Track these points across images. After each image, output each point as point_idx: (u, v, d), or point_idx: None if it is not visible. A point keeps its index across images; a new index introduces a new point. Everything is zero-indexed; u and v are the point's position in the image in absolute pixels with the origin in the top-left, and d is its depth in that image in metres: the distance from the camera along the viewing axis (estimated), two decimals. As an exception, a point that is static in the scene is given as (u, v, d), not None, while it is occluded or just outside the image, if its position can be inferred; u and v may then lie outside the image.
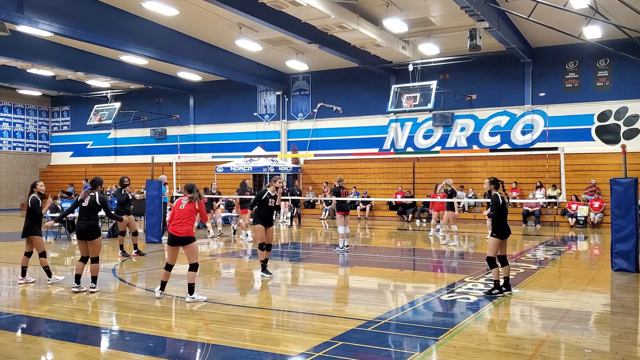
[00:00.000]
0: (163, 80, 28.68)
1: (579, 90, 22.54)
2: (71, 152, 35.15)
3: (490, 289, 8.63)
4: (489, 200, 8.84)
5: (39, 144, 35.52)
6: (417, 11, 18.59)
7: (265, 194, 10.17)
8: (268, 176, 26.66)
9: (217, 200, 18.11)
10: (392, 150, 25.70)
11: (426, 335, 6.40)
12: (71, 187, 29.54)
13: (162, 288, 8.33)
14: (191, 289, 8.06)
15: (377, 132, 26.22)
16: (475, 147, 24.03)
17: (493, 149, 23.37)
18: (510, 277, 10.00)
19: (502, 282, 8.57)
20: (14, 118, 34.02)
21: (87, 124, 29.02)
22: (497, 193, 8.58)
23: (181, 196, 8.47)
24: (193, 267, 8.06)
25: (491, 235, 8.65)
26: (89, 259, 8.66)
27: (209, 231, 17.44)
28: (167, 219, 10.25)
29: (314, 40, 19.74)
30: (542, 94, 23.06)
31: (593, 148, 22.12)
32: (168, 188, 16.73)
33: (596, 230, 19.75)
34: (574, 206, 20.87)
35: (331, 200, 14.18)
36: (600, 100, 22.14)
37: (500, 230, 8.51)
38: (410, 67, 22.12)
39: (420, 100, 20.76)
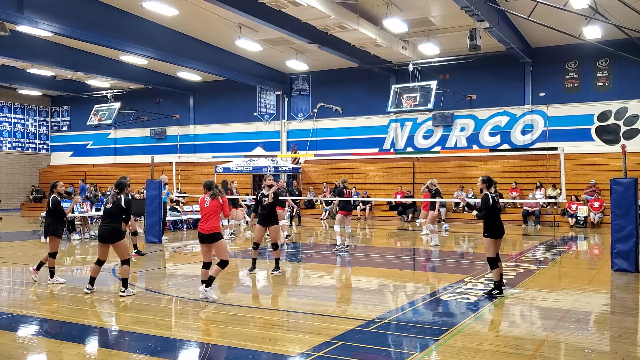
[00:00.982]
0: (163, 80, 28.68)
1: (579, 90, 22.54)
2: (71, 152, 35.15)
3: (490, 289, 8.63)
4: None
5: (39, 144, 35.52)
6: (417, 11, 18.59)
7: (260, 194, 10.34)
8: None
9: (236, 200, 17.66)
10: (392, 150, 25.70)
11: (426, 335, 6.40)
12: (71, 187, 29.51)
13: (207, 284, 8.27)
14: (210, 281, 8.08)
15: (377, 132, 26.22)
16: (475, 147, 24.03)
17: (493, 149, 23.37)
18: (510, 277, 10.05)
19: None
20: (14, 118, 34.02)
21: (87, 124, 29.02)
22: (488, 193, 8.57)
23: (202, 195, 8.50)
24: (222, 264, 8.10)
25: (483, 235, 8.62)
26: (120, 262, 8.59)
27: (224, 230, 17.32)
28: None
29: (314, 40, 19.74)
30: (542, 94, 23.06)
31: (593, 148, 22.11)
32: (167, 188, 16.72)
33: (596, 230, 19.75)
34: (574, 206, 20.87)
35: (331, 201, 14.19)
36: (600, 100, 22.14)
37: (492, 229, 8.49)
38: (410, 67, 22.12)
39: (420, 100, 20.76)
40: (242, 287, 9.93)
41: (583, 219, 20.57)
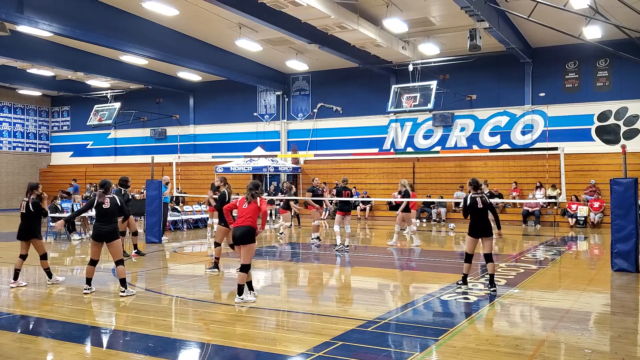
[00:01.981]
0: (163, 80, 28.68)
1: (579, 91, 22.54)
2: (71, 152, 35.15)
3: (489, 285, 8.94)
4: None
5: (39, 144, 35.52)
6: (417, 11, 18.59)
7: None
8: (268, 176, 26.72)
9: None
10: (392, 151, 25.70)
11: (426, 336, 6.40)
12: (71, 187, 29.53)
13: (251, 288, 8.25)
14: (240, 289, 8.00)
15: (377, 132, 26.22)
16: (475, 147, 24.03)
17: (493, 149, 23.37)
18: (510, 277, 10.06)
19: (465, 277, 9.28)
20: (14, 118, 34.02)
21: (87, 124, 29.01)
22: (469, 195, 9.06)
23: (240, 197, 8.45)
24: (244, 268, 8.00)
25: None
26: (115, 262, 8.55)
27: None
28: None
29: (314, 41, 19.74)
30: (542, 94, 23.06)
31: (593, 148, 22.11)
32: (169, 188, 16.73)
33: (596, 230, 19.75)
34: (574, 206, 20.87)
35: (332, 201, 14.20)
36: (600, 100, 22.14)
37: (470, 228, 9.00)
38: (410, 67, 22.12)
39: (420, 100, 20.75)
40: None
41: (583, 219, 20.57)
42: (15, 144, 34.06)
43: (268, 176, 26.78)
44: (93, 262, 8.69)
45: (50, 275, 9.53)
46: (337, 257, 13.04)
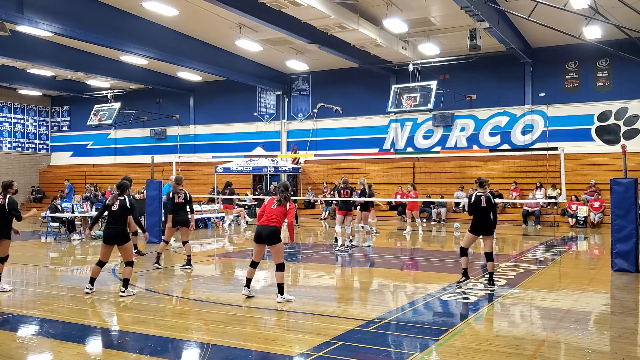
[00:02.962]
0: (163, 80, 28.68)
1: (579, 91, 22.54)
2: (71, 152, 35.13)
3: (488, 283, 9.21)
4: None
5: (39, 144, 35.51)
6: (417, 11, 18.59)
7: (173, 195, 11.18)
8: (268, 176, 26.73)
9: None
10: (392, 151, 25.69)
11: (426, 335, 6.40)
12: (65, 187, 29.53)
13: (247, 285, 8.33)
14: (280, 289, 8.04)
15: (377, 132, 26.21)
16: (475, 147, 24.03)
17: (493, 149, 23.36)
18: (511, 277, 10.06)
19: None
20: (14, 118, 34.00)
21: (87, 124, 29.00)
22: (474, 193, 9.22)
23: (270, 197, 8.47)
24: (280, 267, 8.02)
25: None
26: (124, 263, 8.56)
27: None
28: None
29: (314, 41, 19.74)
30: (542, 94, 23.05)
31: (593, 148, 22.11)
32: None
33: (596, 230, 19.75)
34: (574, 206, 20.87)
35: (332, 201, 14.20)
36: (600, 100, 22.14)
37: (472, 225, 9.22)
38: (410, 67, 22.11)
39: (420, 100, 20.75)
40: (242, 287, 9.91)
41: (583, 219, 20.57)
42: (15, 144, 34.06)
43: (268, 176, 26.78)
44: (100, 263, 8.67)
45: None
46: (337, 257, 13.03)
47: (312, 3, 15.82)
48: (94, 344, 6.30)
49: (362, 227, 15.45)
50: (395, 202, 24.21)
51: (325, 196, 24.54)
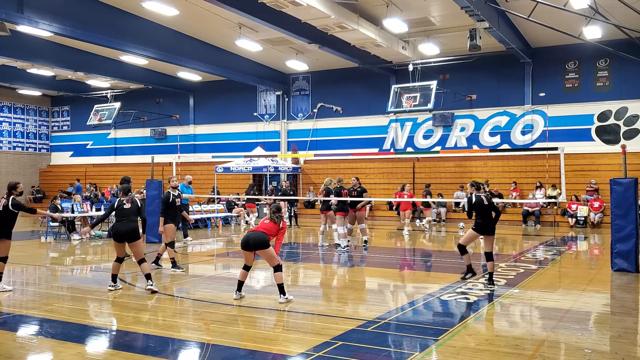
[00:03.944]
0: (163, 80, 28.67)
1: (579, 91, 22.54)
2: (71, 152, 35.13)
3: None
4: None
5: (39, 143, 35.51)
6: (417, 11, 18.59)
7: (172, 196, 11.20)
8: (268, 176, 26.74)
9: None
10: (392, 151, 25.69)
11: (426, 335, 6.40)
12: (71, 187, 29.52)
13: (239, 289, 8.32)
14: (281, 289, 8.04)
15: (377, 132, 26.21)
16: (475, 147, 24.03)
17: (493, 149, 23.36)
18: (510, 277, 10.06)
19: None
20: (14, 118, 34.00)
21: (87, 124, 28.99)
22: (474, 194, 9.34)
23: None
24: (277, 269, 8.03)
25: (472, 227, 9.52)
26: (138, 262, 8.69)
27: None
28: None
29: (314, 40, 19.74)
30: (542, 94, 23.05)
31: (593, 148, 22.11)
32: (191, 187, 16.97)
33: (596, 230, 19.75)
34: (574, 206, 20.87)
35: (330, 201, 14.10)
36: (600, 100, 22.14)
37: (477, 225, 9.31)
38: (410, 67, 22.11)
39: (420, 100, 20.75)
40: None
41: (583, 219, 20.57)
42: (15, 144, 34.05)
43: (268, 176, 26.78)
44: (118, 260, 8.86)
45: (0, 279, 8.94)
46: (337, 257, 13.03)
47: (312, 3, 15.82)
48: (94, 344, 6.30)
49: (329, 228, 14.78)
50: (395, 202, 24.20)
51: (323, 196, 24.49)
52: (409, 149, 25.35)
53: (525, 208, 21.70)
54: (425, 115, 24.62)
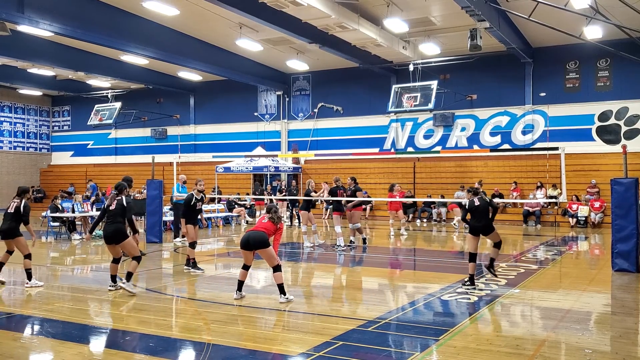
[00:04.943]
0: (163, 80, 28.68)
1: (580, 91, 22.53)
2: (72, 152, 35.15)
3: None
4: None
5: (40, 143, 35.53)
6: (417, 11, 18.58)
7: (193, 199, 10.89)
8: (268, 176, 26.73)
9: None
10: (392, 150, 25.69)
11: (426, 335, 6.39)
12: (71, 187, 29.55)
13: (239, 288, 8.31)
14: (281, 289, 8.03)
15: (378, 132, 26.21)
16: (475, 147, 24.02)
17: (493, 149, 23.36)
18: (511, 277, 10.06)
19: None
20: (14, 118, 34.02)
21: (88, 123, 28.99)
22: (474, 199, 9.27)
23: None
24: (276, 269, 8.02)
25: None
26: (130, 258, 8.67)
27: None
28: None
29: (315, 40, 19.74)
30: (542, 94, 23.04)
31: (594, 148, 22.10)
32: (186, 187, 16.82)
33: (597, 230, 19.73)
34: (574, 206, 20.85)
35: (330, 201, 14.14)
36: (600, 100, 22.13)
37: (470, 228, 9.31)
38: (411, 67, 22.10)
39: (420, 100, 20.73)
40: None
41: (584, 219, 20.55)
42: (15, 144, 34.07)
43: (268, 176, 26.78)
44: (115, 261, 8.85)
45: (30, 276, 9.15)
46: (337, 257, 13.03)
47: (313, 3, 15.81)
48: (95, 344, 6.30)
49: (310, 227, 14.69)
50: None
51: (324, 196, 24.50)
52: (410, 149, 25.34)
53: (526, 208, 21.68)
54: (425, 115, 24.61)
